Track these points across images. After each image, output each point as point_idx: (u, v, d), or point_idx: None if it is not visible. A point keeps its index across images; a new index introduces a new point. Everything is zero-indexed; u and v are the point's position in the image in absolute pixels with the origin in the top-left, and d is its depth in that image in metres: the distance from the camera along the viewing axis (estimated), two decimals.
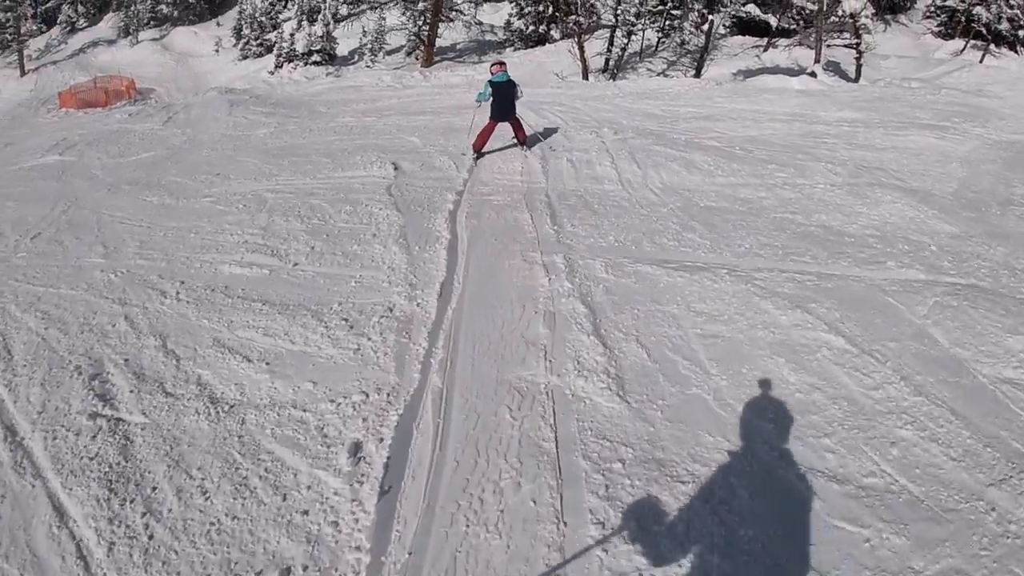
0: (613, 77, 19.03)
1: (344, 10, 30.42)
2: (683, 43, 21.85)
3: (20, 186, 12.12)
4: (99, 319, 4.77)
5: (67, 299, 5.14)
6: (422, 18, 23.14)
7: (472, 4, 24.68)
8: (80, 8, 38.04)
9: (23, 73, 32.85)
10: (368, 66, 24.44)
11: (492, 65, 8.26)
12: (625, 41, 20.13)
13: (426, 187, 7.40)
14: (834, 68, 19.45)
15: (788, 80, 15.11)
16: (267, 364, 4.06)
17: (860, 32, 17.65)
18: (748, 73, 18.43)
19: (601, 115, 11.00)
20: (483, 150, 8.16)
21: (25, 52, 33.69)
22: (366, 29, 26.24)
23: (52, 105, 24.85)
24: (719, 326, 4.18)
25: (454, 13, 24.05)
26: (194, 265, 5.76)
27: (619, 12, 20.02)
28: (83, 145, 15.11)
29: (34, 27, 38.43)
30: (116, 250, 6.83)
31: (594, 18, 21.20)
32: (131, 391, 3.84)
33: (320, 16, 24.42)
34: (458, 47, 26.63)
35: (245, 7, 28.89)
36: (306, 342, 4.28)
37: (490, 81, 7.88)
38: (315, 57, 24.96)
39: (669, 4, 20.94)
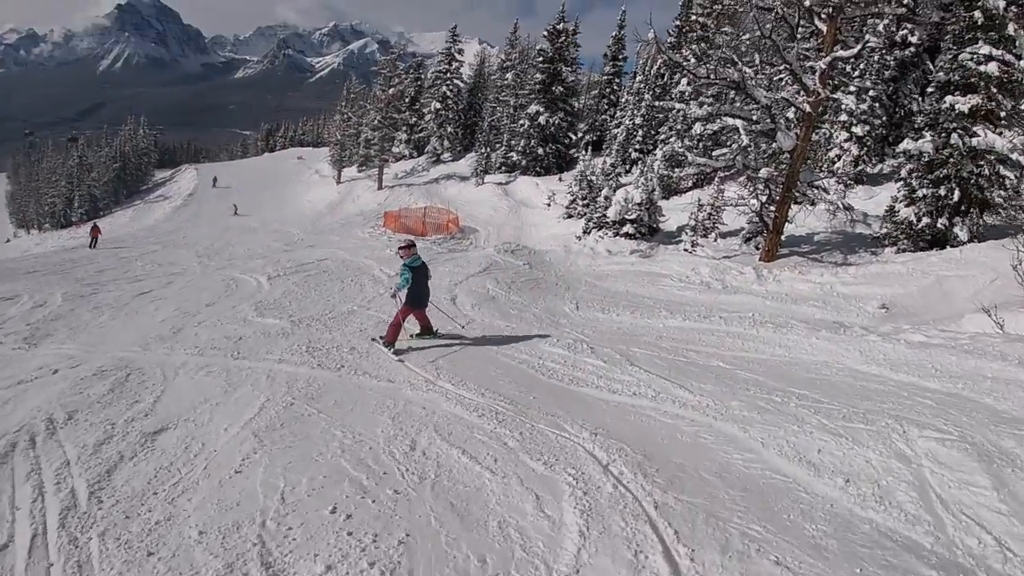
0: None
1: (688, 178, 26.93)
2: None
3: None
4: None
5: None
6: (766, 193, 17.32)
7: (841, 185, 17.51)
8: (446, 143, 44.54)
9: (379, 187, 39.11)
10: (687, 249, 19.35)
11: (402, 248, 7.74)
12: None
13: None
14: None
15: None
16: None
17: None
18: None
19: None
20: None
21: (387, 171, 40.23)
22: (702, 202, 21.72)
23: (378, 222, 27.06)
24: None
25: (814, 191, 17.38)
26: None
27: None
28: (303, 274, 13.87)
29: (406, 151, 46.33)
30: None
31: None
32: None
33: (643, 179, 20.84)
34: (816, 238, 19.71)
35: (585, 161, 27.49)
36: None
37: (409, 266, 7.47)
38: (627, 228, 21.12)
39: None
